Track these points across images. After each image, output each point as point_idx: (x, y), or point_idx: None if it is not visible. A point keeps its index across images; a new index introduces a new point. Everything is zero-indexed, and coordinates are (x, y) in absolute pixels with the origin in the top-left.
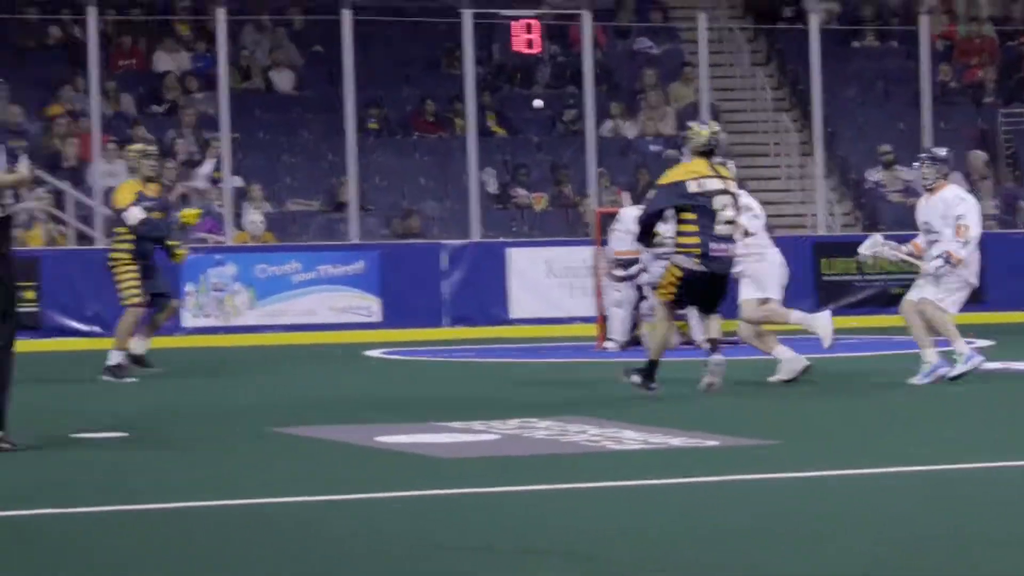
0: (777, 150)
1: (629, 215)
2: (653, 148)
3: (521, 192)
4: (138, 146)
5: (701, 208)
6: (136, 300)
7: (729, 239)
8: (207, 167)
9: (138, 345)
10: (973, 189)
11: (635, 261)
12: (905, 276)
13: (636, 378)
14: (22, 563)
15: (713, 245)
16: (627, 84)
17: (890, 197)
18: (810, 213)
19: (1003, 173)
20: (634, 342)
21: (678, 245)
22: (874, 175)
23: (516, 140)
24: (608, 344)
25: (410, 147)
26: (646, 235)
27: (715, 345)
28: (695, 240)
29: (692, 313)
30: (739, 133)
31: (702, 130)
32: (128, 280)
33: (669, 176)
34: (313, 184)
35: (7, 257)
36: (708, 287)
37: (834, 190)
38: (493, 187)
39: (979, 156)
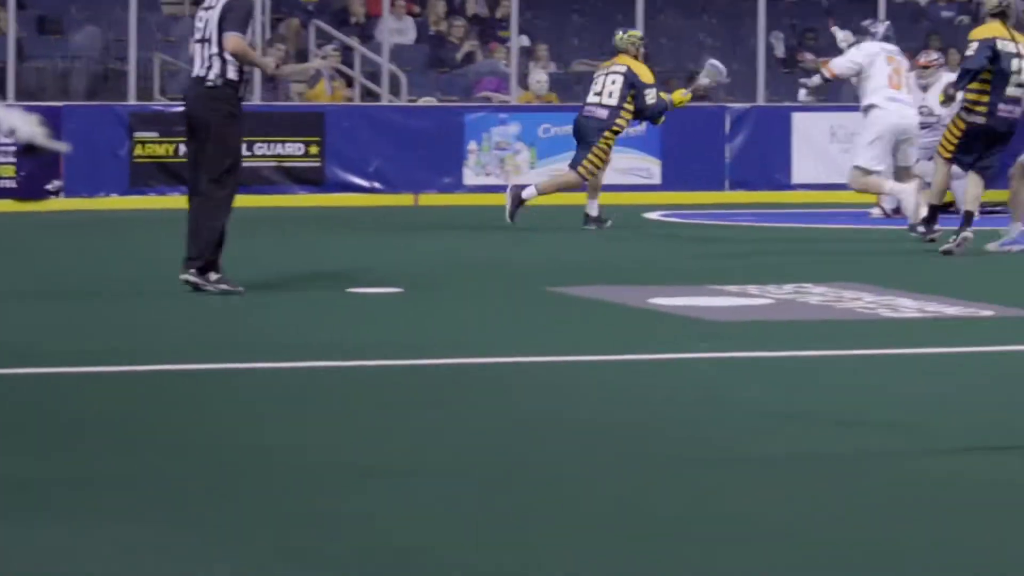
0: None
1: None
2: (945, 14)
3: (808, 57)
4: (637, 33)
5: (997, 69)
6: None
7: (1018, 101)
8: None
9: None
10: None
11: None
12: None
13: (921, 228)
14: (282, 412)
15: (1002, 105)
16: None
17: None
18: None
19: None
20: (899, 210)
21: (967, 101)
22: None
23: (806, 4)
24: (874, 211)
25: (698, 8)
26: (963, 82)
27: (969, 217)
28: (985, 98)
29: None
30: None
31: None
32: (602, 153)
33: (977, 34)
34: (600, 45)
35: (238, 118)
36: (987, 144)
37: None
38: (780, 51)
39: None
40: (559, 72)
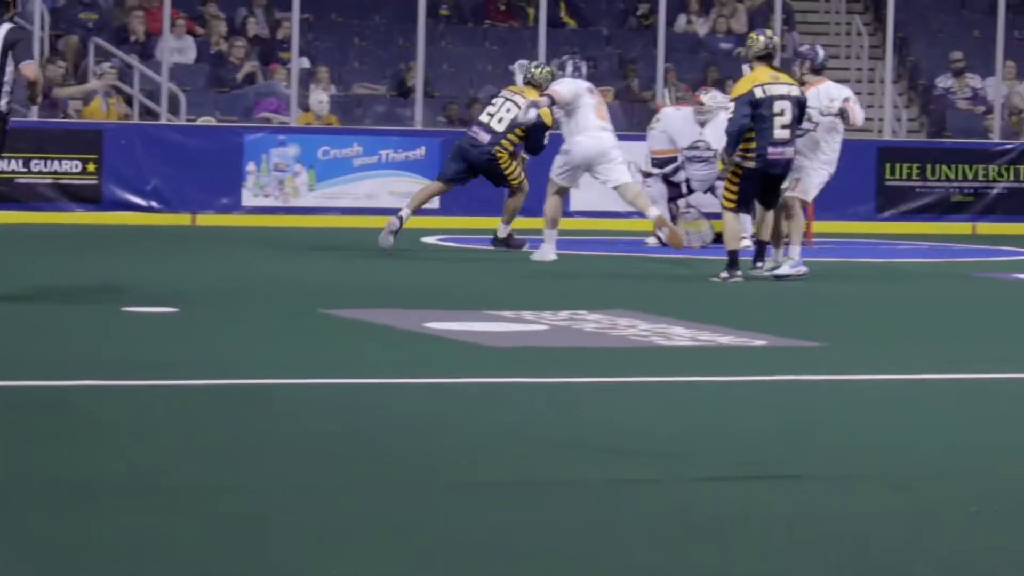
0: (848, 52)
1: (667, 115)
2: (724, 46)
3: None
4: (549, 68)
5: (759, 116)
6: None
7: (787, 142)
8: None
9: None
10: None
11: (672, 160)
12: (966, 184)
13: (724, 274)
14: (52, 433)
15: (771, 149)
16: None
17: (958, 104)
18: (877, 117)
19: None
20: None
21: (740, 149)
22: (944, 82)
23: (587, 32)
24: (649, 240)
25: (480, 35)
26: (735, 146)
27: (762, 246)
28: (753, 144)
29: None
30: (811, 35)
31: (759, 37)
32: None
33: (737, 89)
34: (381, 69)
35: None
36: (764, 187)
37: (902, 95)
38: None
39: None
40: (340, 95)
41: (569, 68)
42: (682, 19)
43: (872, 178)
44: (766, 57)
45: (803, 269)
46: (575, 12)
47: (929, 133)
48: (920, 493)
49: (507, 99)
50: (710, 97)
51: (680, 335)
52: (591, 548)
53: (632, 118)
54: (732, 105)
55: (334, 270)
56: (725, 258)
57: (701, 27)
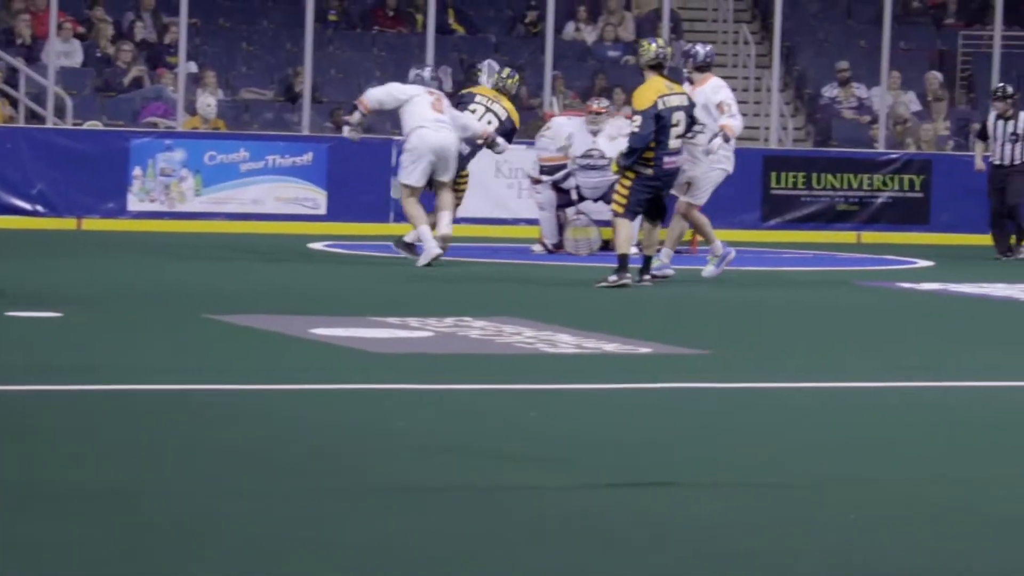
0: (735, 61)
1: (558, 123)
2: (612, 54)
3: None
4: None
5: (660, 127)
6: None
7: (678, 152)
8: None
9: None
10: (927, 110)
11: (561, 167)
12: (852, 193)
13: (612, 277)
14: None
15: (666, 158)
16: None
17: (844, 114)
18: (763, 126)
19: (958, 95)
20: (561, 245)
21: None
22: (830, 91)
23: (475, 39)
24: (535, 247)
25: (368, 41)
26: (633, 158)
27: (648, 259)
28: (651, 154)
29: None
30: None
31: (650, 45)
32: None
33: (642, 100)
34: (268, 74)
35: None
36: (654, 194)
37: (788, 104)
38: (448, 85)
39: (935, 77)
40: (227, 99)
41: (426, 75)
42: (570, 27)
43: (758, 186)
44: (657, 66)
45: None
46: (463, 19)
47: (815, 142)
48: (800, 500)
49: (487, 108)
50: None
51: (566, 342)
52: (477, 554)
53: (520, 125)
54: (638, 118)
55: (220, 275)
56: (612, 266)
57: (589, 35)
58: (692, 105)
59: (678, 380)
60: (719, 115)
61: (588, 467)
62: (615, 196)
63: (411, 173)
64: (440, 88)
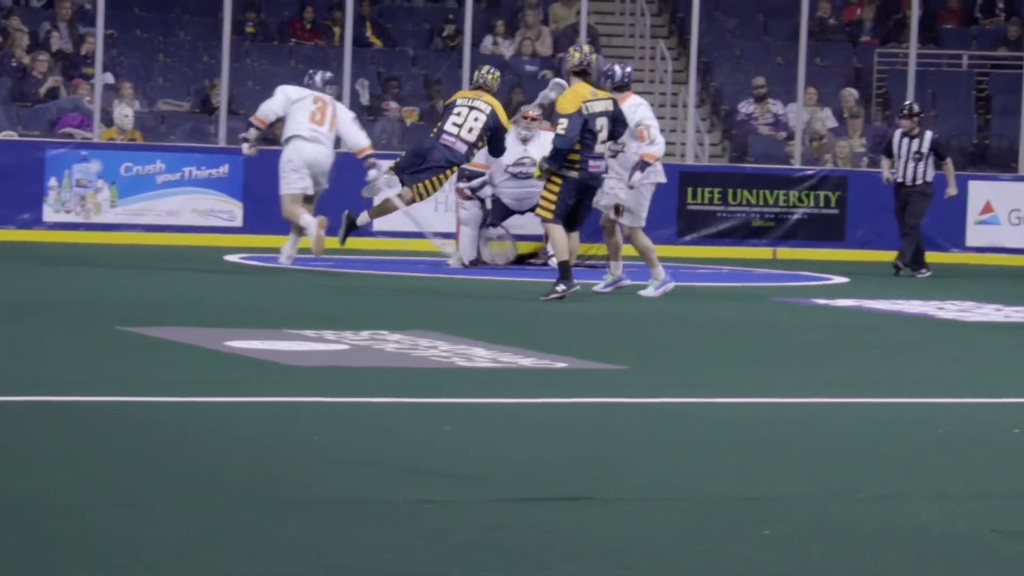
0: (652, 76)
1: None
2: (529, 68)
3: (393, 105)
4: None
5: (586, 131)
6: None
7: (602, 156)
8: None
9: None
10: (843, 126)
11: (480, 174)
12: (767, 209)
13: (560, 287)
14: None
15: (591, 162)
16: (508, 2)
17: (760, 130)
18: (679, 142)
19: (874, 112)
20: (477, 262)
21: (565, 160)
22: (746, 107)
23: (393, 52)
24: (450, 261)
25: (286, 54)
26: (558, 160)
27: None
28: (576, 156)
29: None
30: (616, 58)
31: (575, 52)
32: (437, 184)
33: (567, 104)
34: (185, 85)
35: None
36: (579, 198)
37: (705, 120)
38: (365, 98)
39: (851, 94)
40: (144, 111)
41: (317, 79)
42: (488, 40)
43: (674, 202)
44: (582, 72)
45: (625, 282)
46: (381, 32)
47: (731, 158)
48: (714, 516)
49: (471, 107)
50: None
51: (481, 356)
52: (388, 567)
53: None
54: (564, 121)
55: (136, 287)
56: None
57: (507, 49)
58: (616, 112)
59: (593, 395)
60: (638, 139)
61: (501, 482)
62: (542, 203)
63: (292, 184)
64: (338, 96)
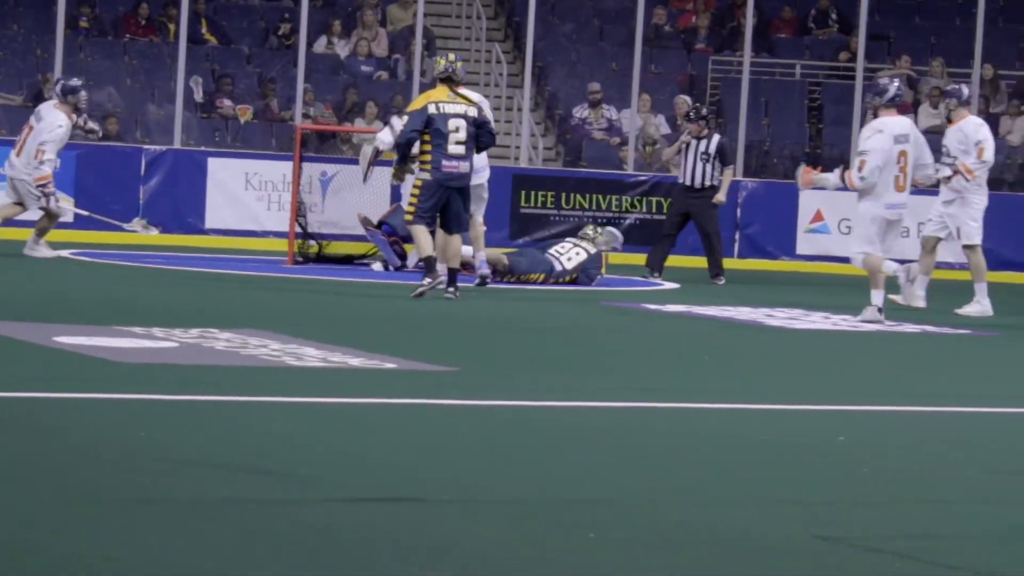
0: (487, 80)
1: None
2: (365, 68)
3: (227, 103)
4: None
5: (436, 130)
6: None
7: (462, 157)
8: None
9: None
10: (676, 133)
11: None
12: (600, 213)
13: (426, 280)
14: None
15: (445, 162)
16: (344, 2)
17: (594, 135)
18: (514, 145)
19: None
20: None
21: (420, 161)
22: (581, 112)
23: (227, 50)
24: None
25: (120, 49)
26: (404, 159)
27: (452, 272)
28: (429, 158)
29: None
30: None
31: (441, 60)
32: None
33: (414, 104)
34: (18, 78)
35: None
36: (442, 198)
37: (539, 123)
38: (198, 95)
39: (685, 101)
40: None
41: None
42: (323, 40)
43: (507, 205)
44: (447, 79)
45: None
46: (216, 29)
47: (565, 162)
48: (540, 518)
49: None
50: None
51: (311, 356)
52: (215, 567)
53: (271, 137)
54: (405, 117)
55: None
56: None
57: (342, 49)
58: (481, 118)
59: (421, 396)
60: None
61: (329, 482)
62: (407, 206)
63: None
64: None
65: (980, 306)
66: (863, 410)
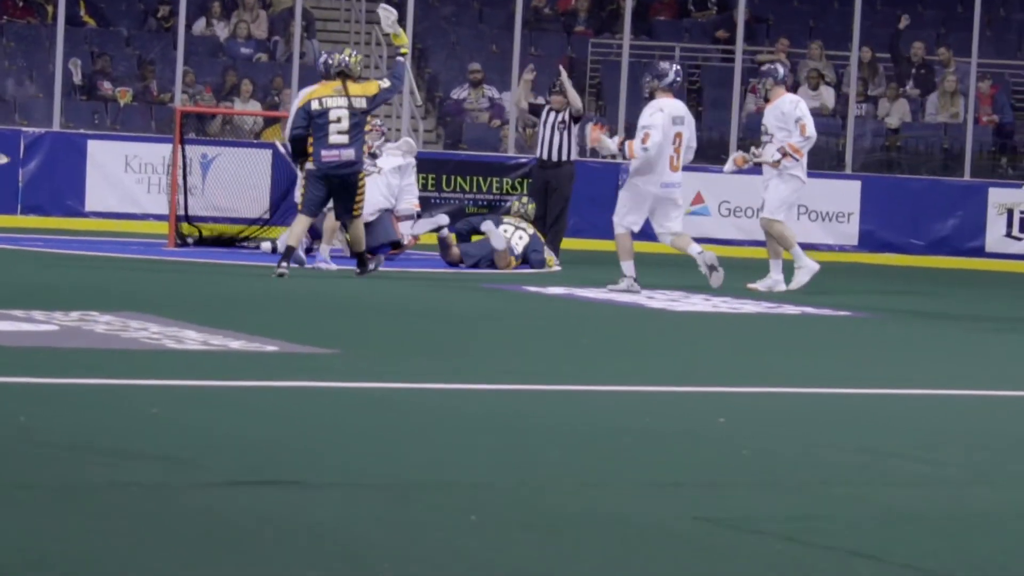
0: (367, 62)
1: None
2: (244, 51)
3: (106, 85)
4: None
5: (319, 124)
6: None
7: (344, 145)
8: None
9: None
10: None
11: None
12: (481, 196)
13: (283, 264)
14: None
15: (324, 152)
16: None
17: (476, 115)
18: (394, 128)
19: (587, 102)
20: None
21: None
22: (460, 93)
23: (106, 32)
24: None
25: None
26: (298, 155)
27: (359, 256)
28: (311, 149)
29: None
30: (332, 43)
31: (337, 56)
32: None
33: (298, 102)
34: None
35: None
36: (329, 188)
37: (420, 106)
38: (78, 77)
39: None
40: None
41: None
42: (201, 22)
43: None
44: (340, 73)
45: (324, 266)
46: (95, 11)
47: (445, 145)
48: (421, 501)
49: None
50: None
51: (192, 339)
52: (94, 552)
53: (151, 119)
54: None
55: None
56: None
57: (221, 31)
58: (361, 105)
59: (302, 379)
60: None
61: (209, 465)
62: (298, 197)
63: None
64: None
65: (771, 280)
66: (743, 392)
